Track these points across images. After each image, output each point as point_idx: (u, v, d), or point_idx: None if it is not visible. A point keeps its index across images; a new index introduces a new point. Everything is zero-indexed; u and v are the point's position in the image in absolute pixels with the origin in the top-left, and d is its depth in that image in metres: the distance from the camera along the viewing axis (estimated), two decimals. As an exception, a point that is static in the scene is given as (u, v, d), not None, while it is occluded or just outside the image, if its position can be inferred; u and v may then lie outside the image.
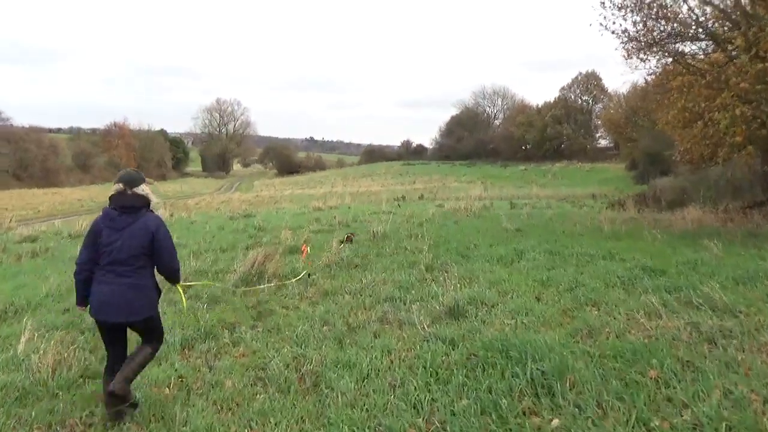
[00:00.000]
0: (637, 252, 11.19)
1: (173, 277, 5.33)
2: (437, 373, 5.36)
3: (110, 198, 5.07)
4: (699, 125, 16.11)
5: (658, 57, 17.84)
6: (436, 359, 5.61)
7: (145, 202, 5.09)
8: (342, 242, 14.33)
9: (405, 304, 8.20)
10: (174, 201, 52.06)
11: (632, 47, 17.55)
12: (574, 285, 8.64)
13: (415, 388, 5.09)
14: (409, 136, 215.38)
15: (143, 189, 5.10)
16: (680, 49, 17.84)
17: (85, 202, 59.89)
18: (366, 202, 37.17)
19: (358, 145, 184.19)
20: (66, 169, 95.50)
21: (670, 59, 18.01)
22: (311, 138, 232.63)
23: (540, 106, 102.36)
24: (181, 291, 5.97)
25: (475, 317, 7.31)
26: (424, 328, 6.74)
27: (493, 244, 12.97)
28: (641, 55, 17.60)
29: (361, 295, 8.92)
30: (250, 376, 5.80)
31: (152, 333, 5.25)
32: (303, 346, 6.56)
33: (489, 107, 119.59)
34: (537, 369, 5.13)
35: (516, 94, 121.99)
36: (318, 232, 17.01)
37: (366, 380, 5.44)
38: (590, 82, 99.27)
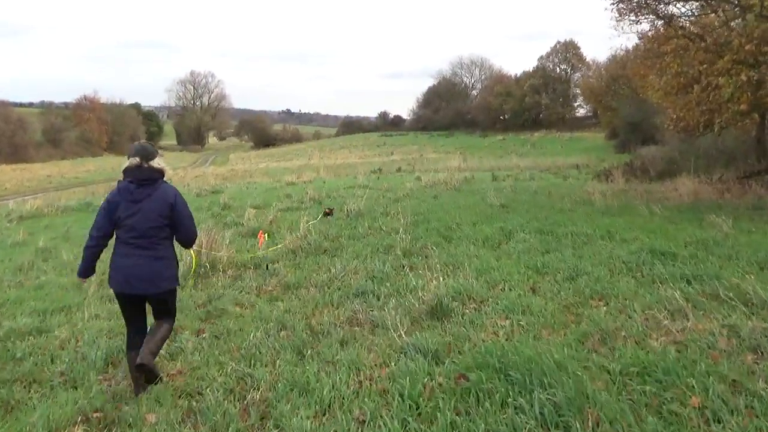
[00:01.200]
0: (638, 230, 10.07)
1: (191, 244, 5.48)
2: (418, 405, 4.14)
3: (125, 171, 5.02)
4: (695, 91, 14.96)
5: (650, 19, 16.67)
6: (417, 384, 4.37)
7: (161, 174, 5.09)
8: (324, 215, 13.57)
9: (379, 299, 7.01)
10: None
11: (624, 8, 16.35)
12: (575, 273, 7.48)
13: (389, 429, 3.88)
14: (389, 108, 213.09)
15: (158, 162, 5.09)
16: (671, 12, 16.68)
17: (54, 178, 58.23)
18: (342, 175, 35.92)
19: (336, 117, 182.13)
20: (35, 144, 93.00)
21: (661, 21, 16.88)
22: (288, 110, 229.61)
23: (518, 75, 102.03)
24: (193, 254, 6.30)
25: (462, 317, 6.12)
26: (401, 334, 5.52)
27: (477, 223, 11.80)
28: (632, 17, 16.41)
29: (328, 288, 7.72)
30: (181, 408, 4.56)
31: (170, 307, 5.27)
32: (253, 362, 5.33)
33: (467, 77, 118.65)
34: (547, 399, 3.95)
35: (494, 64, 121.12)
36: (287, 210, 15.74)
37: (326, 413, 4.23)
38: (568, 51, 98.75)
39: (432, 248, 9.46)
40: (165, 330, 5.15)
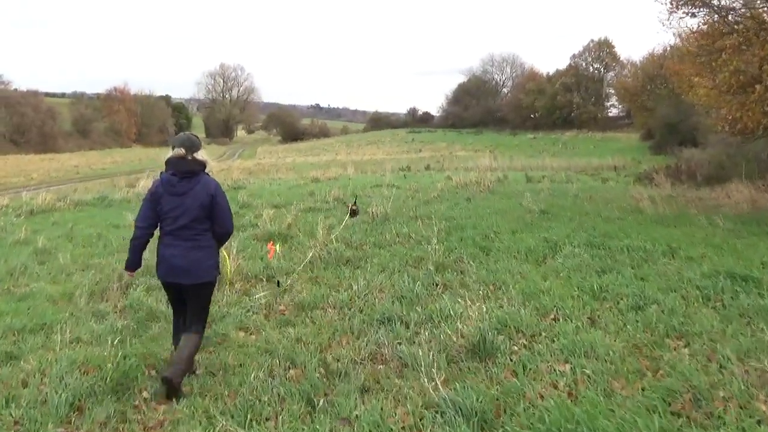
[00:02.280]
0: (702, 245, 8.86)
1: (226, 239, 5.53)
2: None
3: (168, 163, 5.07)
4: (757, 90, 13.63)
5: (704, 12, 15.35)
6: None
7: (203, 166, 5.15)
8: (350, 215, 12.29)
9: (408, 328, 5.90)
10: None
11: (679, -1, 15.06)
12: (641, 300, 6.30)
13: None
14: (418, 104, 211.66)
15: (201, 154, 5.15)
16: (729, 4, 15.34)
17: (81, 168, 57.89)
18: (369, 172, 34.82)
19: (365, 112, 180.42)
20: (65, 134, 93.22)
21: (716, 16, 15.57)
22: (317, 105, 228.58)
23: (550, 73, 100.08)
24: (227, 258, 6.26)
25: (511, 358, 5.00)
26: (436, 384, 4.39)
27: (517, 231, 10.65)
28: (687, 8, 15.10)
29: (349, 310, 6.63)
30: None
31: (204, 303, 5.28)
32: (249, 417, 4.25)
33: (497, 75, 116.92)
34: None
35: (525, 61, 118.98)
36: (309, 210, 14.66)
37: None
38: (602, 50, 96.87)
39: (468, 262, 8.34)
40: (194, 344, 5.05)
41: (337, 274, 8.11)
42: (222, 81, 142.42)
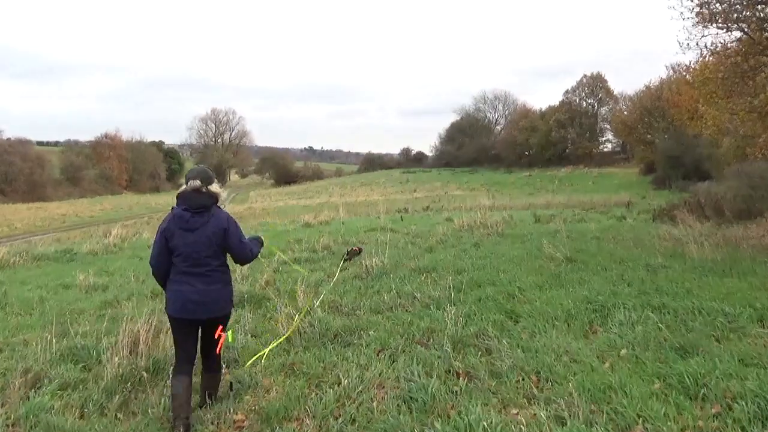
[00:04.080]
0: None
1: (247, 262, 5.34)
2: None
3: (181, 197, 4.96)
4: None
5: (740, 26, 13.59)
6: None
7: (216, 199, 5.02)
8: (343, 259, 11.74)
9: (422, 462, 3.85)
10: (162, 215, 47.98)
11: (707, 12, 13.31)
12: (761, 403, 4.28)
13: None
14: (412, 145, 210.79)
15: (215, 187, 5.03)
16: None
17: (68, 217, 56.64)
18: (363, 214, 32.88)
19: (357, 154, 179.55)
20: (54, 182, 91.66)
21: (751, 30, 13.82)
22: (310, 148, 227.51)
23: (543, 110, 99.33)
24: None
25: None
26: None
27: (545, 287, 8.65)
28: (720, 23, 13.34)
29: (335, 420, 4.59)
30: None
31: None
32: None
33: (490, 112, 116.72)
34: None
35: (518, 99, 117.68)
36: (293, 261, 12.62)
37: None
38: (596, 84, 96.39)
39: (494, 336, 6.27)
40: (217, 382, 5.21)
41: (321, 359, 6.02)
42: (214, 125, 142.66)
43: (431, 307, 7.68)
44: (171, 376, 5.03)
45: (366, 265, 10.46)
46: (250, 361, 5.72)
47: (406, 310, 7.76)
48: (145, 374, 5.33)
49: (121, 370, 5.48)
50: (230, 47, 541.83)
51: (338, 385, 5.21)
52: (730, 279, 8.65)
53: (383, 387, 5.14)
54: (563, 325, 6.63)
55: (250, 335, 7.01)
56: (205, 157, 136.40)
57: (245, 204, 70.28)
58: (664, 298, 7.38)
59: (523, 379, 5.10)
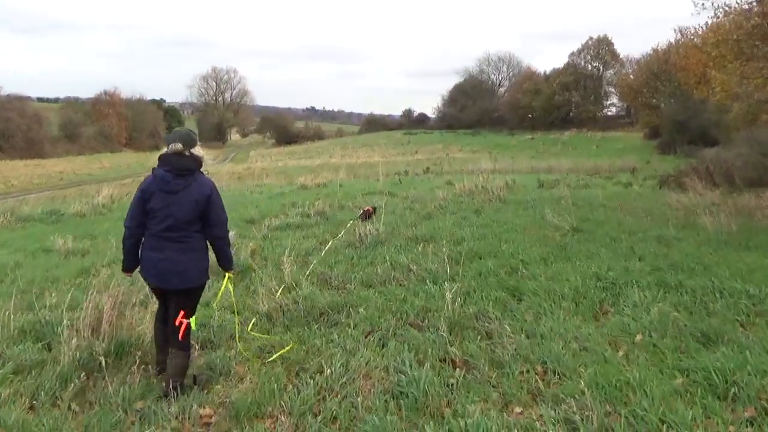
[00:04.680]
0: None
1: (222, 245, 4.96)
2: None
3: (163, 159, 4.74)
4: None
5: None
6: None
7: (199, 163, 4.84)
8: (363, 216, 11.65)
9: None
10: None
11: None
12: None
13: None
14: (415, 106, 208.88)
15: (198, 150, 4.84)
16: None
17: (66, 174, 56.28)
18: (363, 176, 32.25)
19: (360, 115, 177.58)
20: (52, 139, 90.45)
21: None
22: (312, 107, 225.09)
23: (548, 73, 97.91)
24: (228, 280, 5.13)
25: None
26: None
27: (550, 259, 8.07)
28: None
29: (314, 419, 4.03)
30: None
31: (194, 302, 4.92)
32: None
33: (494, 75, 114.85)
34: None
35: (522, 61, 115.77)
36: (285, 228, 12.03)
37: None
38: (601, 47, 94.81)
39: (495, 317, 5.70)
40: (182, 363, 4.76)
41: (303, 341, 5.47)
42: (215, 84, 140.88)
43: (427, 281, 7.09)
44: (155, 321, 5.05)
45: (360, 233, 9.86)
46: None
47: (401, 285, 7.18)
48: (104, 360, 4.72)
49: (79, 354, 4.89)
50: (233, 7, 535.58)
51: (320, 375, 4.64)
52: (748, 253, 8.07)
53: (370, 378, 4.57)
54: (571, 305, 6.05)
55: (229, 311, 6.44)
56: (205, 115, 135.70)
57: (245, 163, 69.60)
58: (680, 276, 6.78)
59: (527, 371, 4.53)
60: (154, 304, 5.55)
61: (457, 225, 11.26)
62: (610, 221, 11.19)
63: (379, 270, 7.74)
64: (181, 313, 4.56)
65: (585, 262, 7.76)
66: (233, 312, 5.66)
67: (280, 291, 6.43)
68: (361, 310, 6.21)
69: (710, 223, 10.07)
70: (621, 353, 4.80)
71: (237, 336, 5.34)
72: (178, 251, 4.65)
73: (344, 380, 4.51)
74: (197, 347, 5.48)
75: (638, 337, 5.10)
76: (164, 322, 4.87)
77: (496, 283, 6.87)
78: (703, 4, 16.03)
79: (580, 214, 12.04)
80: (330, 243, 9.56)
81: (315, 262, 8.35)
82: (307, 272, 7.67)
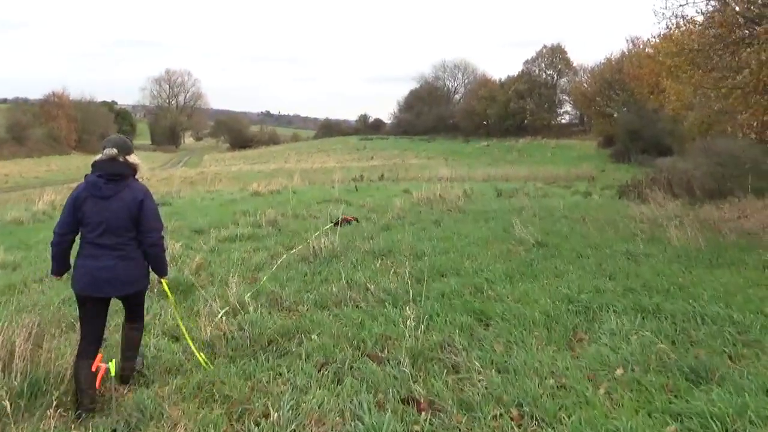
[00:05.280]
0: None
1: (156, 251, 4.78)
2: None
3: (96, 164, 4.63)
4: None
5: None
6: None
7: (134, 170, 4.76)
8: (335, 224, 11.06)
9: None
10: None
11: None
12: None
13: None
14: (371, 111, 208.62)
15: (133, 157, 4.76)
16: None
17: (12, 177, 54.99)
18: (318, 182, 31.66)
19: (316, 120, 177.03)
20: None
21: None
22: (267, 112, 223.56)
23: (503, 80, 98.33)
24: (165, 285, 5.11)
25: None
26: None
27: (515, 277, 7.61)
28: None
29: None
30: None
31: (140, 306, 5.04)
32: None
33: (449, 81, 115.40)
34: None
35: (477, 68, 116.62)
36: (234, 239, 11.36)
37: None
38: (555, 56, 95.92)
39: (462, 347, 5.15)
40: (137, 335, 5.00)
41: (249, 375, 4.86)
42: (168, 87, 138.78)
43: (387, 303, 6.54)
44: (75, 358, 4.58)
45: (313, 247, 9.27)
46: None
47: (357, 306, 6.61)
48: (10, 404, 4.02)
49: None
50: (189, 9, 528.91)
51: (266, 419, 4.04)
52: (721, 271, 7.71)
53: (323, 424, 3.97)
54: (543, 332, 5.54)
55: (167, 338, 5.79)
56: (158, 118, 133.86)
57: (198, 168, 68.34)
58: (656, 298, 6.35)
59: (501, 415, 3.99)
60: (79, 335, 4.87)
61: (416, 237, 10.75)
62: (574, 234, 10.80)
63: (334, 289, 7.16)
64: (98, 356, 3.95)
65: (553, 281, 7.31)
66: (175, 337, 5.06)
67: (221, 315, 5.80)
68: (314, 336, 5.62)
69: (677, 236, 9.74)
70: (602, 391, 4.30)
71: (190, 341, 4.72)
72: (114, 258, 4.53)
73: (293, 427, 3.92)
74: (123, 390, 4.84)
75: (619, 371, 4.62)
76: (88, 357, 4.48)
77: (461, 306, 6.33)
78: (663, 13, 15.81)
79: (543, 226, 11.65)
80: (284, 257, 8.97)
81: (265, 278, 7.74)
82: (256, 291, 7.06)
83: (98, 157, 4.64)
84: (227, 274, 7.75)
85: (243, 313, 6.16)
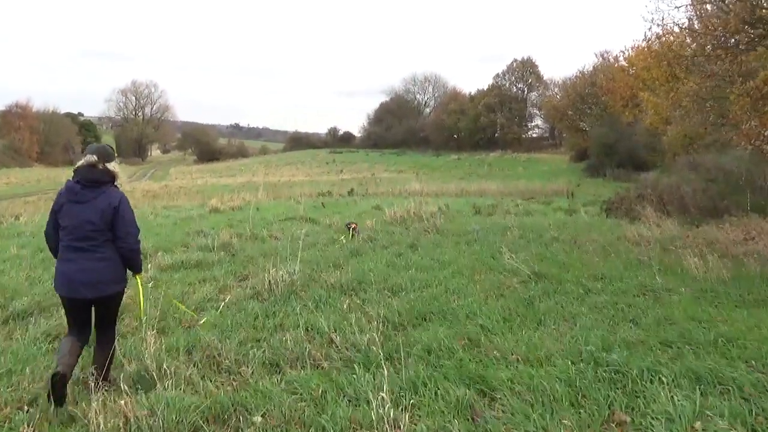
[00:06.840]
0: None
1: (133, 256, 4.89)
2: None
3: (76, 171, 4.79)
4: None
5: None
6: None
7: (113, 178, 4.87)
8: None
9: None
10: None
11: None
12: None
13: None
14: (341, 124, 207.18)
15: (113, 165, 4.88)
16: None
17: (-33, 191, 51.93)
18: (284, 196, 30.06)
19: (285, 133, 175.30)
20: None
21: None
22: (236, 124, 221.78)
23: (473, 93, 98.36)
24: (140, 282, 5.31)
25: None
26: None
27: (515, 321, 6.13)
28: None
29: None
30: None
31: (113, 312, 5.00)
32: None
33: (420, 95, 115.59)
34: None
35: (448, 81, 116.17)
36: (180, 267, 9.73)
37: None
38: (526, 69, 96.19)
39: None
40: (109, 350, 4.84)
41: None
42: (134, 98, 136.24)
43: (355, 363, 4.98)
44: (60, 349, 4.62)
45: (269, 280, 7.69)
46: None
47: (318, 367, 5.06)
48: None
49: None
50: (158, 21, 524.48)
51: None
52: (758, 311, 6.32)
53: None
54: (571, 414, 4.05)
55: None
56: (124, 130, 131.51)
57: (164, 181, 66.26)
58: (707, 359, 4.84)
59: None
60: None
61: (390, 266, 9.24)
62: (573, 262, 9.35)
63: (289, 340, 5.57)
64: None
65: (565, 329, 5.83)
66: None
67: (125, 399, 4.20)
68: (256, 419, 4.07)
69: (695, 265, 8.36)
70: None
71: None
72: (90, 261, 4.61)
73: None
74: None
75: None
76: (76, 338, 4.73)
77: (455, 372, 4.76)
78: (653, 19, 14.66)
79: (534, 250, 10.23)
80: (232, 292, 7.43)
81: (202, 322, 6.19)
82: (189, 344, 5.49)
83: (79, 163, 4.76)
84: (155, 318, 6.16)
85: (163, 381, 4.58)
